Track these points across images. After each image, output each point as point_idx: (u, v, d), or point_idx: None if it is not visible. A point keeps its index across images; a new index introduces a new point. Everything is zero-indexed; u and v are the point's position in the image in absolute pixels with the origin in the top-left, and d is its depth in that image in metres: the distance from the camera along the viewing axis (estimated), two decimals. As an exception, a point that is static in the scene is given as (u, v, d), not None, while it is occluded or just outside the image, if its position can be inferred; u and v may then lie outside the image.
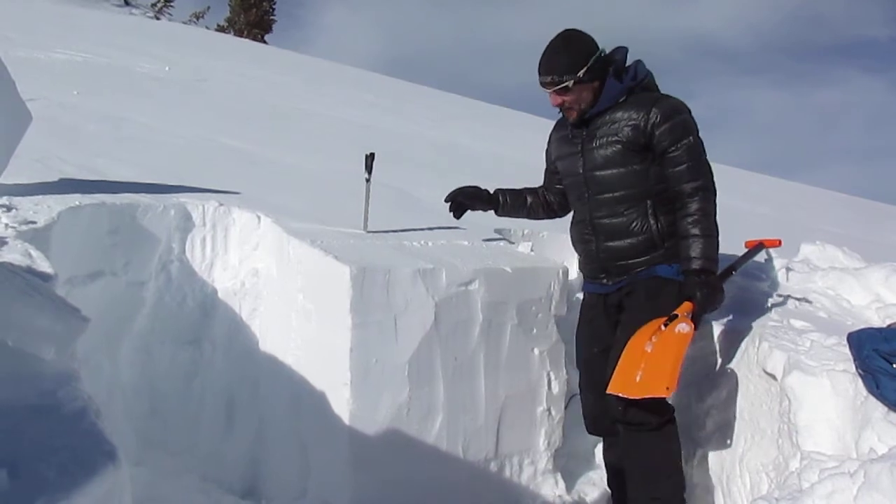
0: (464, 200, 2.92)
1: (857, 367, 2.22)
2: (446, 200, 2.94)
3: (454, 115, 12.36)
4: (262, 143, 5.45)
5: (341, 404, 2.47)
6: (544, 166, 2.94)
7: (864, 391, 2.17)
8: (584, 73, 2.45)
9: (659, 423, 2.47)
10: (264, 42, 27.67)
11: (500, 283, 2.75)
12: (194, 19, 29.91)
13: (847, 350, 2.30)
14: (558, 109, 2.62)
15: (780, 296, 3.03)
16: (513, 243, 3.40)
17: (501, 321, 2.75)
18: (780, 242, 3.00)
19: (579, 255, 2.80)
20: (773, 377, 2.48)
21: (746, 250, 2.84)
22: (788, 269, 3.39)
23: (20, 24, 9.31)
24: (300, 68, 14.15)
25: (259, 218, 2.97)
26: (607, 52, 2.55)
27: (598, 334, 2.70)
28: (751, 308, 2.85)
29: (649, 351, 2.34)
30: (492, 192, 2.94)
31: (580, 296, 3.64)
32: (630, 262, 2.57)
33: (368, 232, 2.97)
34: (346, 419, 2.46)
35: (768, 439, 2.48)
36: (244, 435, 2.86)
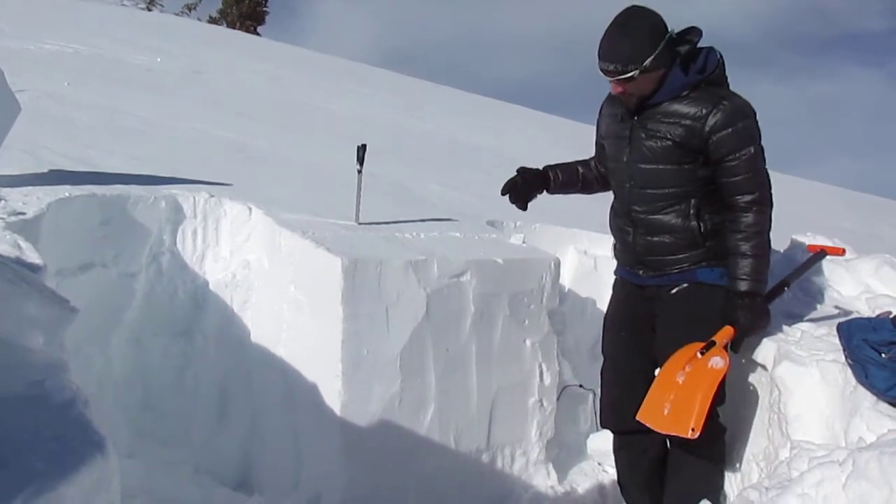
0: (522, 187, 2.64)
1: (846, 357, 2.23)
2: (503, 193, 2.66)
3: (449, 108, 12.34)
4: (255, 135, 5.43)
5: (333, 396, 2.47)
6: (593, 139, 2.66)
7: (853, 381, 2.18)
8: (651, 62, 2.19)
9: (707, 444, 2.35)
10: (257, 34, 27.52)
11: (492, 274, 2.75)
12: (186, 11, 29.75)
13: (837, 340, 2.31)
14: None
15: (770, 286, 3.03)
16: (505, 235, 3.41)
17: (493, 313, 2.76)
18: (843, 251, 2.81)
19: (616, 241, 2.59)
20: (764, 367, 2.48)
21: (805, 259, 2.69)
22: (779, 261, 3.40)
23: (10, 15, 9.23)
24: (294, 60, 14.09)
25: (250, 209, 2.96)
26: (677, 32, 2.28)
27: (629, 316, 2.54)
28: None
29: (680, 382, 2.23)
30: (540, 169, 2.68)
31: (574, 288, 3.66)
32: (668, 258, 2.39)
33: (360, 224, 2.96)
34: (338, 410, 2.46)
35: (758, 429, 2.49)
36: (237, 426, 2.86)
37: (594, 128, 2.66)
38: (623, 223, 2.49)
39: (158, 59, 8.69)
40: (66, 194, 2.66)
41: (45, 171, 2.99)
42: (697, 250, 2.36)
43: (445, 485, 2.68)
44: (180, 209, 2.91)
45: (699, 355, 2.26)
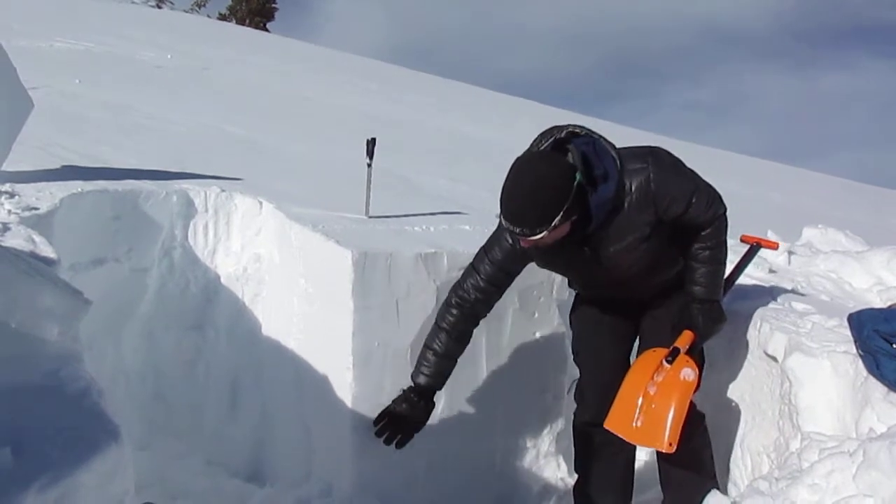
0: (400, 428, 2.37)
1: (857, 348, 2.22)
2: (377, 432, 2.37)
3: (457, 103, 12.33)
4: (265, 131, 5.46)
5: (344, 388, 2.48)
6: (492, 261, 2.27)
7: (864, 372, 2.17)
8: (561, 218, 1.98)
9: (688, 444, 2.27)
10: (266, 30, 27.60)
11: (501, 267, 2.74)
12: (196, 8, 29.88)
13: (848, 332, 2.30)
14: None
15: (781, 279, 3.03)
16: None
17: (503, 305, 2.75)
18: (777, 245, 2.88)
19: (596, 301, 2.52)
20: (774, 359, 2.48)
21: (742, 255, 2.70)
22: (791, 253, 3.39)
23: (21, 14, 9.30)
24: (302, 56, 14.12)
25: (261, 204, 2.98)
26: (562, 136, 2.12)
27: (609, 309, 2.49)
28: (752, 291, 2.85)
29: (652, 393, 2.21)
30: (417, 398, 2.33)
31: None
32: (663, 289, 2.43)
33: (370, 217, 2.97)
34: (348, 402, 2.47)
35: (769, 420, 2.48)
36: (248, 419, 2.88)
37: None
38: (615, 303, 2.47)
39: (168, 56, 8.74)
40: (79, 189, 2.68)
41: (58, 166, 3.01)
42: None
43: (455, 476, 2.70)
44: (191, 204, 2.93)
45: (665, 363, 2.24)
